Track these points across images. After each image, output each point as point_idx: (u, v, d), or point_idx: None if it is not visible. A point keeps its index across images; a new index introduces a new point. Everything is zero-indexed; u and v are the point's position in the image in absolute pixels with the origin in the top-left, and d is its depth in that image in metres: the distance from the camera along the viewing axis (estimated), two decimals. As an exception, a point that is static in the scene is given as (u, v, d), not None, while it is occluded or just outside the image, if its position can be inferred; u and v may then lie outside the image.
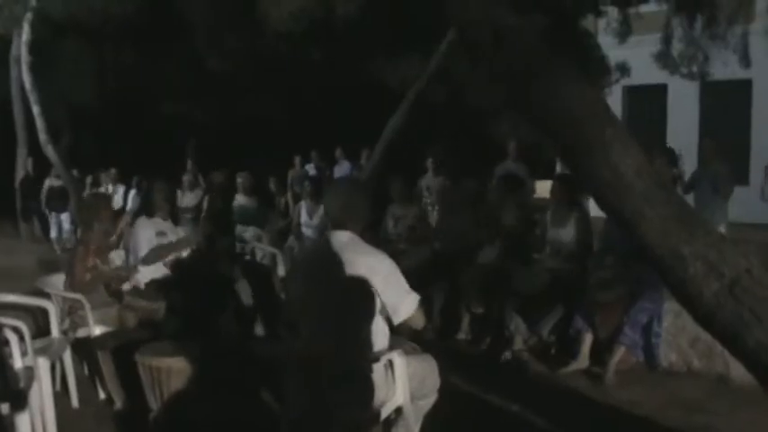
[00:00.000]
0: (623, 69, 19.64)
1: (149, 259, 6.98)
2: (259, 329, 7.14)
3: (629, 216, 3.52)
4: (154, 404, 5.22)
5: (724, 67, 16.76)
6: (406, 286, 4.08)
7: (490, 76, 4.18)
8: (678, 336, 6.66)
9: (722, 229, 10.09)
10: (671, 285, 3.60)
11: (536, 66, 3.66)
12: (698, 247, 3.40)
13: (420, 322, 4.25)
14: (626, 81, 19.97)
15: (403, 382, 4.11)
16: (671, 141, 20.27)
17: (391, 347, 4.15)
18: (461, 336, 7.77)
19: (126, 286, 6.75)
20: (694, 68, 17.14)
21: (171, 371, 5.10)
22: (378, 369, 4.02)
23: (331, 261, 3.99)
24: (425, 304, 7.31)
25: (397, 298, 4.02)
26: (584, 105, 3.57)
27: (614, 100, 20.46)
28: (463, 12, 3.87)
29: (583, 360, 6.74)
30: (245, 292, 7.10)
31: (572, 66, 3.64)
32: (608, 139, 3.47)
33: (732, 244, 3.57)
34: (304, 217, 10.43)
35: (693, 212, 3.70)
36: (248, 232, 11.39)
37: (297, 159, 16.59)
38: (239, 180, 12.18)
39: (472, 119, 18.75)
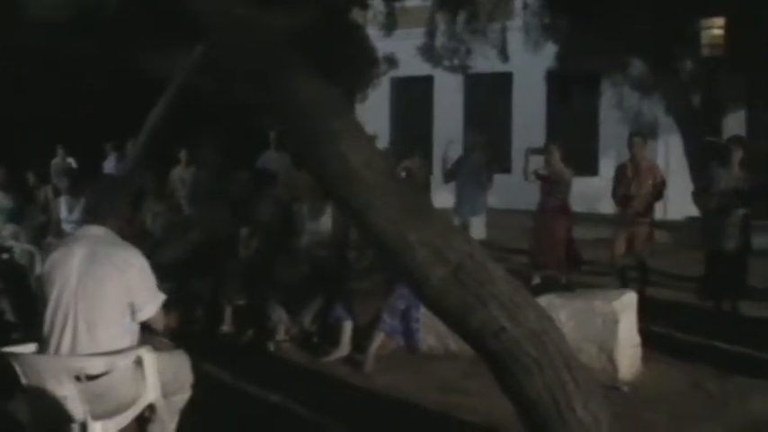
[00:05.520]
0: (391, 61, 19.99)
1: None
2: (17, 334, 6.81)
3: (357, 206, 3.58)
4: None
5: (485, 61, 17.49)
6: (155, 286, 4.09)
7: (234, 69, 4.16)
8: (435, 320, 6.84)
9: (482, 216, 10.55)
10: (401, 272, 3.71)
11: (268, 60, 3.66)
12: (425, 235, 3.52)
13: (160, 324, 4.25)
14: (394, 73, 20.41)
15: (153, 379, 4.05)
16: (437, 131, 21.10)
17: (141, 343, 4.09)
18: (224, 328, 7.67)
19: None
20: (456, 61, 17.82)
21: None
22: (127, 366, 3.94)
23: (84, 255, 3.96)
24: (187, 299, 7.24)
25: (146, 296, 4.03)
26: (312, 98, 3.60)
27: (382, 91, 20.94)
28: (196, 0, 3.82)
29: (344, 348, 6.86)
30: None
31: (303, 59, 3.67)
32: (336, 131, 3.53)
33: (458, 230, 3.73)
34: (63, 212, 10.04)
35: (423, 203, 3.85)
36: (5, 230, 10.81)
37: (59, 150, 15.69)
38: (-6, 175, 11.51)
39: (239, 109, 18.55)
